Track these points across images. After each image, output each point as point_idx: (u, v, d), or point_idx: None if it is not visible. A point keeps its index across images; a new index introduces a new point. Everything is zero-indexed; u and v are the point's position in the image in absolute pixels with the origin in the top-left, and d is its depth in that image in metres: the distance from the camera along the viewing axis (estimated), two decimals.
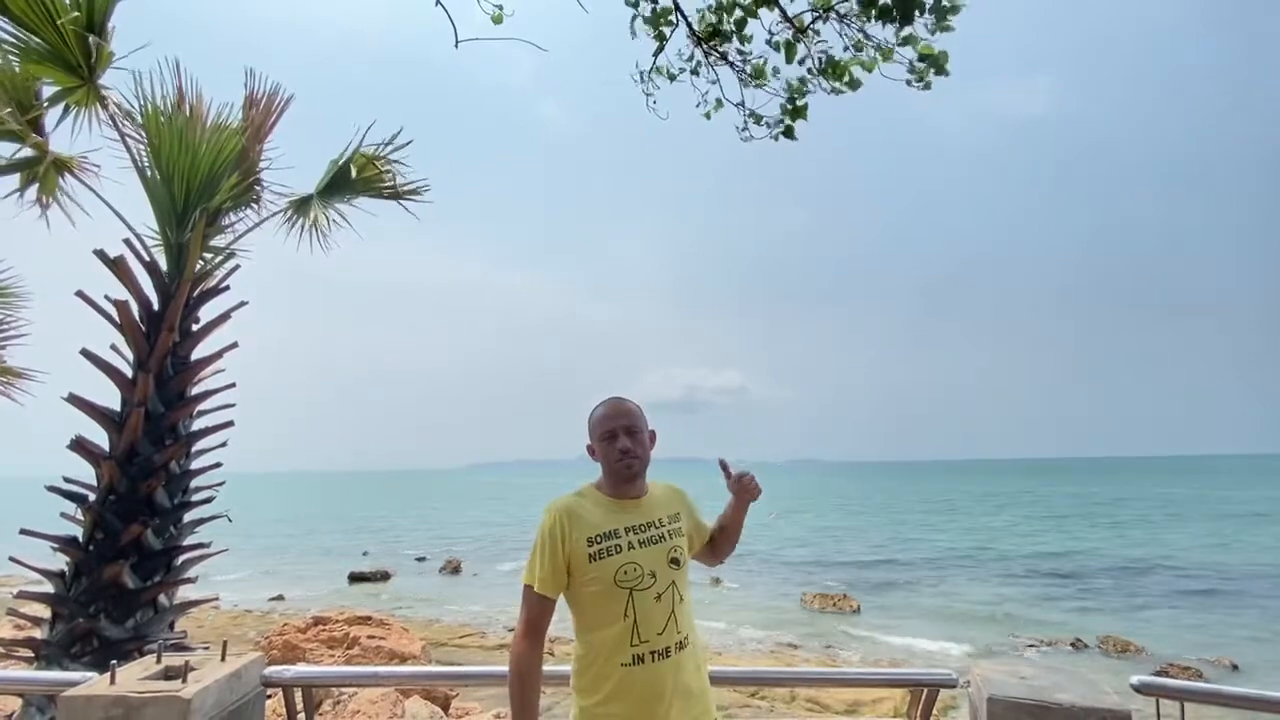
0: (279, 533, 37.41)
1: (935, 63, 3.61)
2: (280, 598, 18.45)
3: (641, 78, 3.74)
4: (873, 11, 3.69)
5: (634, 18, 3.68)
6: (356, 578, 21.35)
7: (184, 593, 3.70)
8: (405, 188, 4.60)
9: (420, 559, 26.29)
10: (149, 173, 3.59)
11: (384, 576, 21.88)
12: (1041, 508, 47.63)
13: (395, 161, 4.61)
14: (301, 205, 4.01)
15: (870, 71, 3.84)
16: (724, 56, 3.89)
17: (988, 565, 22.76)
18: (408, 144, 4.58)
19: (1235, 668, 11.66)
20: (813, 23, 3.82)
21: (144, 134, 3.51)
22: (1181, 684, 2.04)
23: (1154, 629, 14.25)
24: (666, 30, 3.69)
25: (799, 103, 3.87)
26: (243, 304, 3.76)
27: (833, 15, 3.82)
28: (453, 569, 23.02)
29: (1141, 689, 2.18)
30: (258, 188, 3.85)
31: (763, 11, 3.83)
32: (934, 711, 2.44)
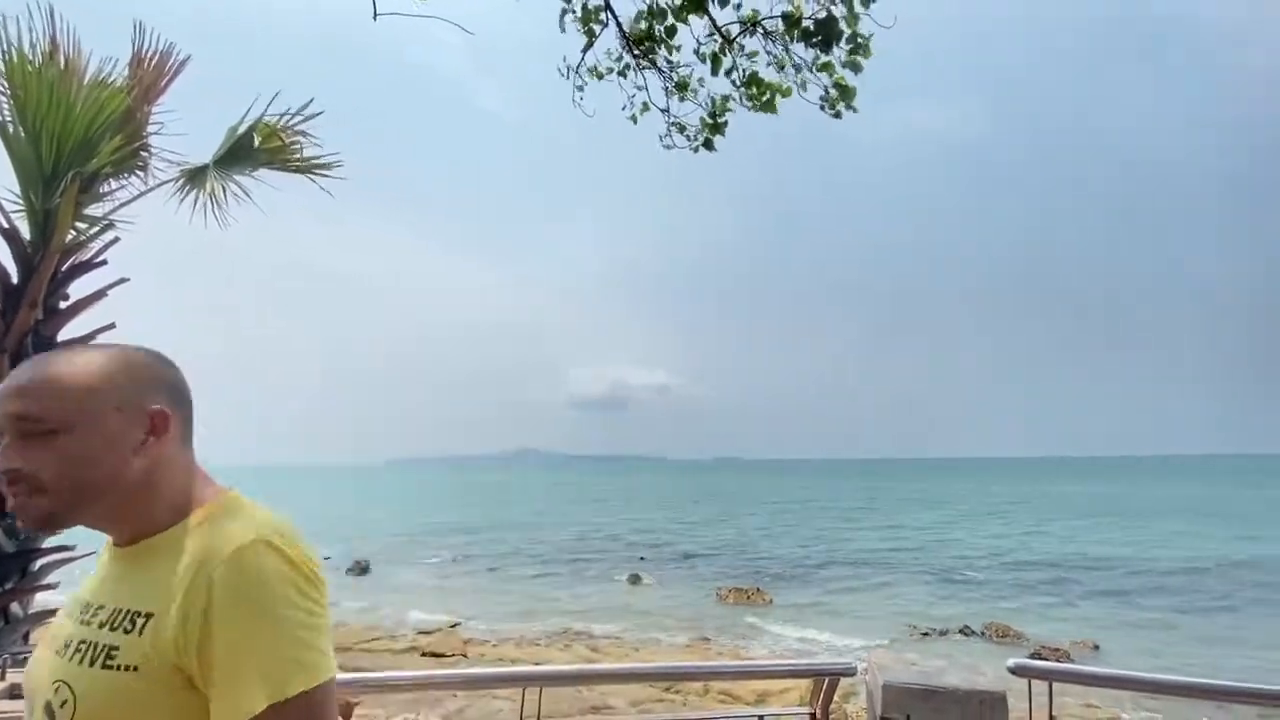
0: None
1: (845, 94, 3.81)
2: None
3: (569, 73, 3.71)
4: (796, 32, 3.85)
5: (564, 12, 3.64)
6: None
7: (44, 599, 3.33)
8: (315, 161, 4.33)
9: (325, 558, 24.91)
10: (12, 129, 3.19)
11: None
12: (959, 506, 51.17)
13: (304, 133, 4.33)
14: (196, 175, 3.69)
15: (787, 97, 4.02)
16: (653, 63, 3.92)
17: (896, 561, 24.19)
18: (318, 115, 4.31)
19: (1096, 648, 13.01)
20: (740, 35, 3.92)
21: (6, 85, 3.11)
22: (1049, 665, 2.24)
23: (1031, 616, 15.61)
24: (597, 28, 3.67)
25: (720, 119, 3.97)
26: (123, 281, 3.42)
27: (760, 30, 3.94)
28: (361, 569, 21.99)
29: (1016, 671, 2.38)
30: (145, 153, 3.51)
31: (693, 19, 3.90)
32: (836, 699, 2.56)
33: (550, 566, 23.38)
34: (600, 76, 3.88)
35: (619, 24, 3.71)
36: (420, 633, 12.93)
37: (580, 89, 3.97)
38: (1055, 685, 2.41)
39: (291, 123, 4.18)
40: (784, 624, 15.19)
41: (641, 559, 24.84)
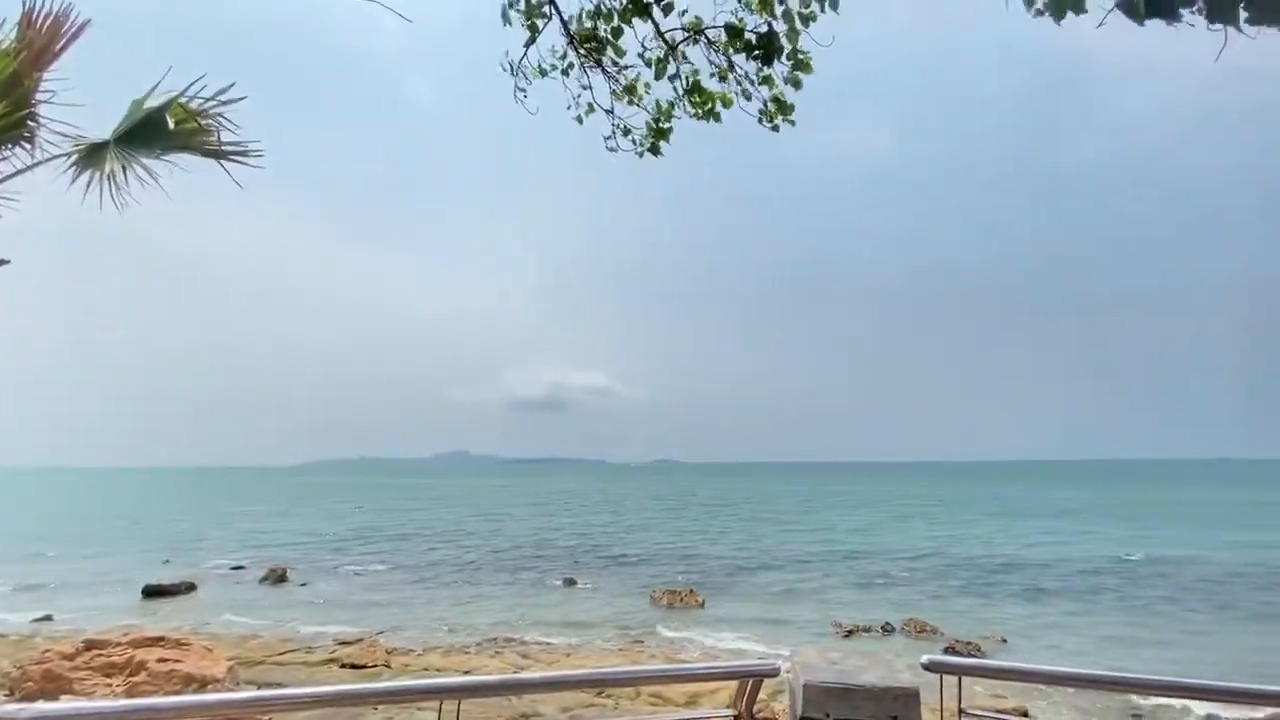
0: (50, 538, 31.49)
1: (783, 109, 3.91)
2: (48, 618, 15.50)
3: (511, 68, 3.64)
4: (738, 44, 3.94)
5: (508, 4, 3.57)
6: (153, 591, 18.51)
7: None
8: (232, 147, 4.06)
9: (237, 567, 23.43)
10: None
11: (189, 588, 19.20)
12: (888, 508, 53.35)
13: (222, 117, 4.06)
14: (94, 153, 3.39)
15: (729, 107, 4.10)
16: (598, 63, 3.90)
17: (826, 562, 24.99)
18: (240, 100, 4.05)
19: (1004, 641, 13.87)
20: (683, 42, 3.97)
21: None
22: (959, 661, 2.36)
23: (948, 613, 16.46)
24: (540, 23, 3.62)
25: (664, 125, 4.00)
26: (2, 263, 3.09)
27: (703, 39, 4.00)
28: (277, 577, 20.78)
29: (929, 667, 2.49)
30: (32, 123, 3.19)
31: (637, 23, 3.91)
32: (766, 698, 2.60)
33: (482, 572, 22.86)
34: (543, 73, 3.83)
35: (563, 21, 3.67)
36: (340, 644, 12.33)
37: (523, 90, 3.91)
38: (964, 679, 2.53)
39: (208, 106, 3.91)
40: (717, 625, 15.43)
41: (577, 563, 24.66)
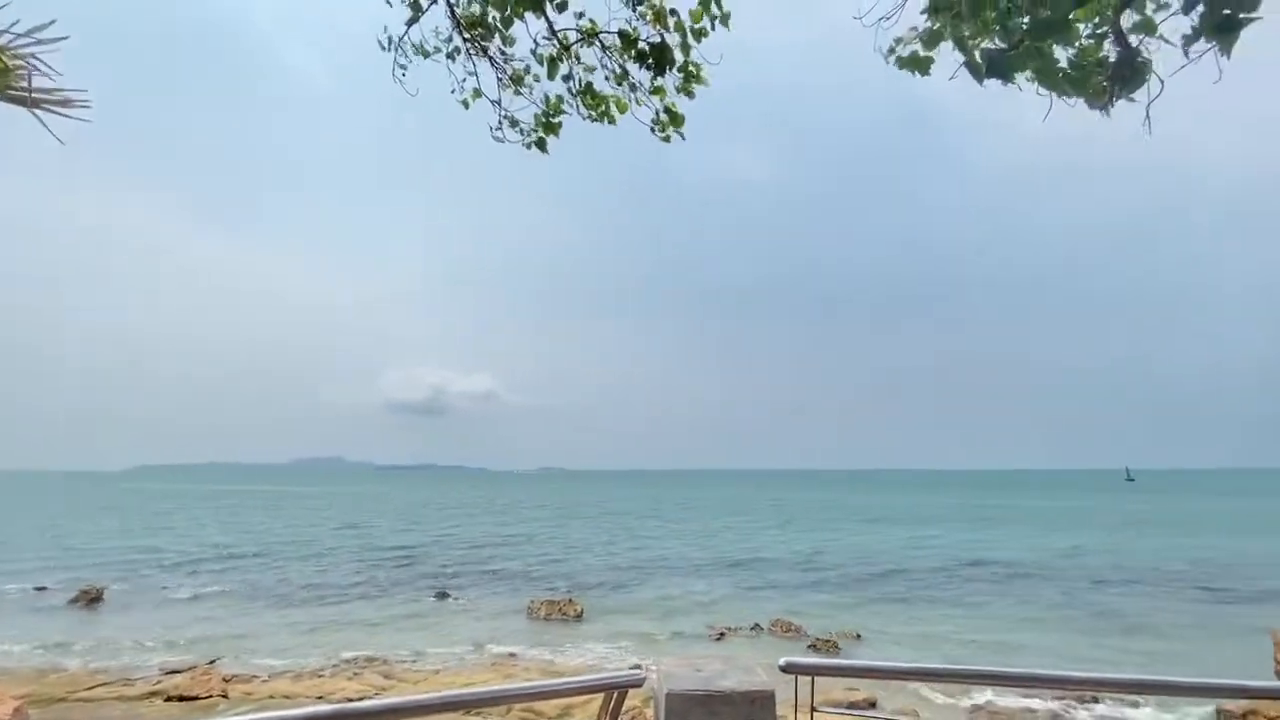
0: None
1: (675, 120, 3.99)
2: None
3: (390, 44, 3.40)
4: (632, 52, 3.95)
5: None
6: None
7: None
8: (49, 95, 3.46)
9: (39, 589, 20.05)
10: None
11: None
12: (768, 513, 55.82)
13: (37, 59, 3.45)
14: None
15: (624, 112, 4.11)
16: (484, 50, 3.76)
17: (706, 566, 25.73)
18: (62, 40, 3.47)
19: (858, 637, 14.98)
20: (577, 43, 3.92)
21: None
22: (813, 661, 2.46)
23: (811, 612, 17.52)
24: (424, 1, 3.43)
25: (554, 119, 3.93)
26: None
27: (597, 43, 3.98)
28: (90, 599, 18.00)
29: (787, 669, 2.57)
30: None
31: (530, 18, 3.81)
32: (639, 705, 2.56)
33: (345, 588, 21.19)
34: (426, 54, 3.62)
35: (449, 2, 3.50)
36: (167, 673, 10.88)
37: (404, 67, 3.67)
38: (818, 679, 2.65)
39: (20, 45, 3.30)
40: (596, 635, 15.37)
41: (451, 575, 23.60)
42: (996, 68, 2.67)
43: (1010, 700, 10.39)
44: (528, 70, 3.94)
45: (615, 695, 2.50)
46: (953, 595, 20.15)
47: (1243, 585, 21.17)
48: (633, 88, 3.93)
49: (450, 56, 3.55)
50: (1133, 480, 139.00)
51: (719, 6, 3.80)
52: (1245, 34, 2.45)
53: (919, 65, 3.00)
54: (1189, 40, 2.56)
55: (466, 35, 3.52)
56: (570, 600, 17.83)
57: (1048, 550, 30.31)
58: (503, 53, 3.66)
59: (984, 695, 10.50)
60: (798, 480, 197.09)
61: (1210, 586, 21.02)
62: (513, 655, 13.39)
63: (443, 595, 19.44)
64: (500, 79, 3.72)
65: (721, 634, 15.30)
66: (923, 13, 2.80)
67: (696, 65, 3.87)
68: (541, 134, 3.82)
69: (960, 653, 14.15)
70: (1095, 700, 10.30)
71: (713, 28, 3.82)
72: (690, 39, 3.88)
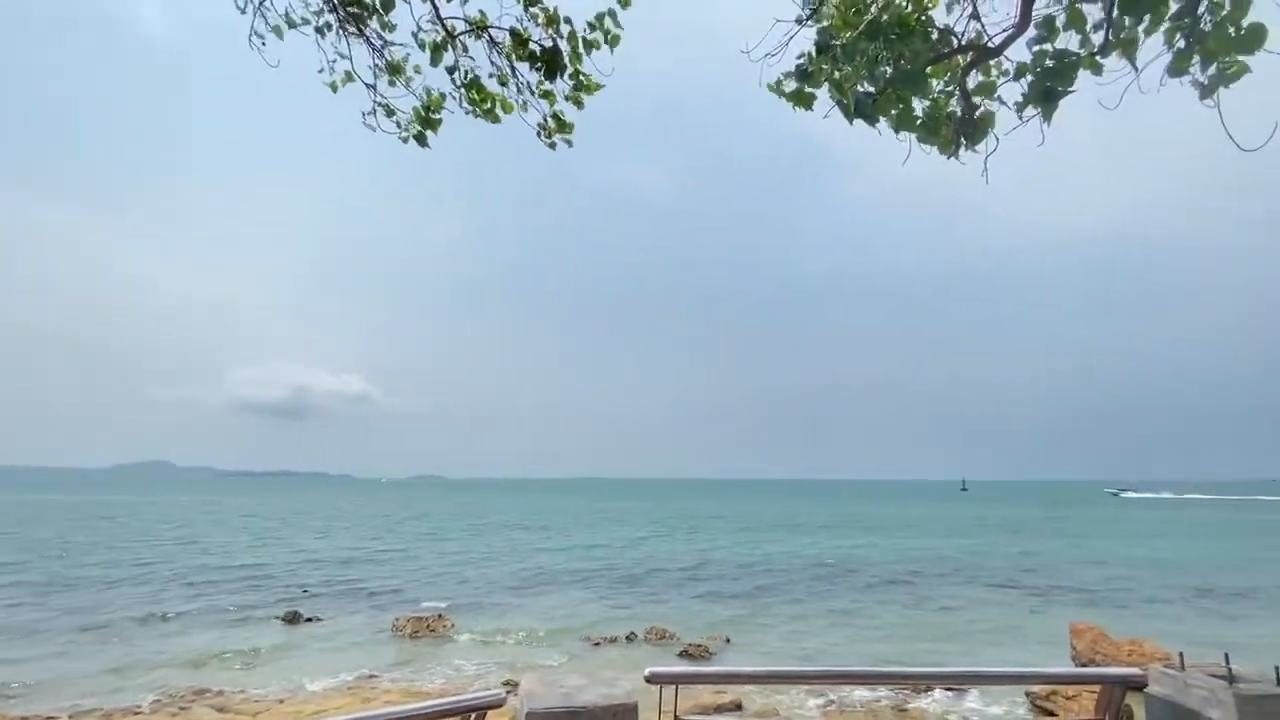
0: None
1: (563, 127, 3.96)
2: None
3: (248, 6, 3.08)
4: (523, 52, 3.87)
5: None
6: None
7: None
8: None
9: None
10: None
11: None
12: (652, 523, 56.19)
13: None
14: None
15: (509, 112, 4.01)
16: (361, 31, 3.51)
17: (587, 576, 25.52)
18: None
19: (728, 641, 15.52)
20: (464, 33, 3.77)
21: None
22: (676, 670, 2.48)
23: (684, 618, 17.93)
24: None
25: (434, 114, 3.75)
26: None
27: (486, 37, 3.85)
28: None
29: (651, 679, 2.58)
30: None
31: (416, 2, 3.62)
32: None
33: (173, 611, 18.73)
34: (292, 25, 3.31)
35: None
36: None
37: (262, 37, 3.32)
38: (682, 687, 2.68)
39: None
40: (466, 652, 14.72)
41: (305, 592, 21.63)
42: (863, 110, 2.90)
43: (863, 693, 11.24)
44: (407, 59, 3.74)
45: (474, 718, 2.37)
46: (819, 598, 21.52)
47: (1051, 583, 24.52)
48: (520, 89, 3.85)
49: (320, 31, 3.27)
50: (966, 490, 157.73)
51: (614, 23, 3.83)
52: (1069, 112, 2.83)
53: (802, 100, 3.19)
54: (1020, 106, 2.93)
55: (340, 11, 3.26)
56: (440, 617, 16.97)
57: (900, 554, 33.34)
58: (380, 36, 3.44)
59: (838, 692, 11.26)
60: (683, 489, 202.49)
61: (1026, 585, 24.11)
62: (372, 678, 12.48)
63: (294, 618, 17.75)
64: (376, 64, 3.49)
65: (597, 644, 15.25)
66: (799, 57, 2.98)
67: (587, 76, 3.87)
68: (420, 128, 3.62)
69: (825, 651, 15.09)
70: (929, 690, 11.40)
71: (605, 40, 3.84)
72: (581, 49, 3.87)
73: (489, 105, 3.95)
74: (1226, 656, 2.74)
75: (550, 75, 3.85)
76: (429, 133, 3.69)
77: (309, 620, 17.53)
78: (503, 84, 3.94)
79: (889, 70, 2.65)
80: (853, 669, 2.69)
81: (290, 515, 64.03)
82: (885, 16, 2.50)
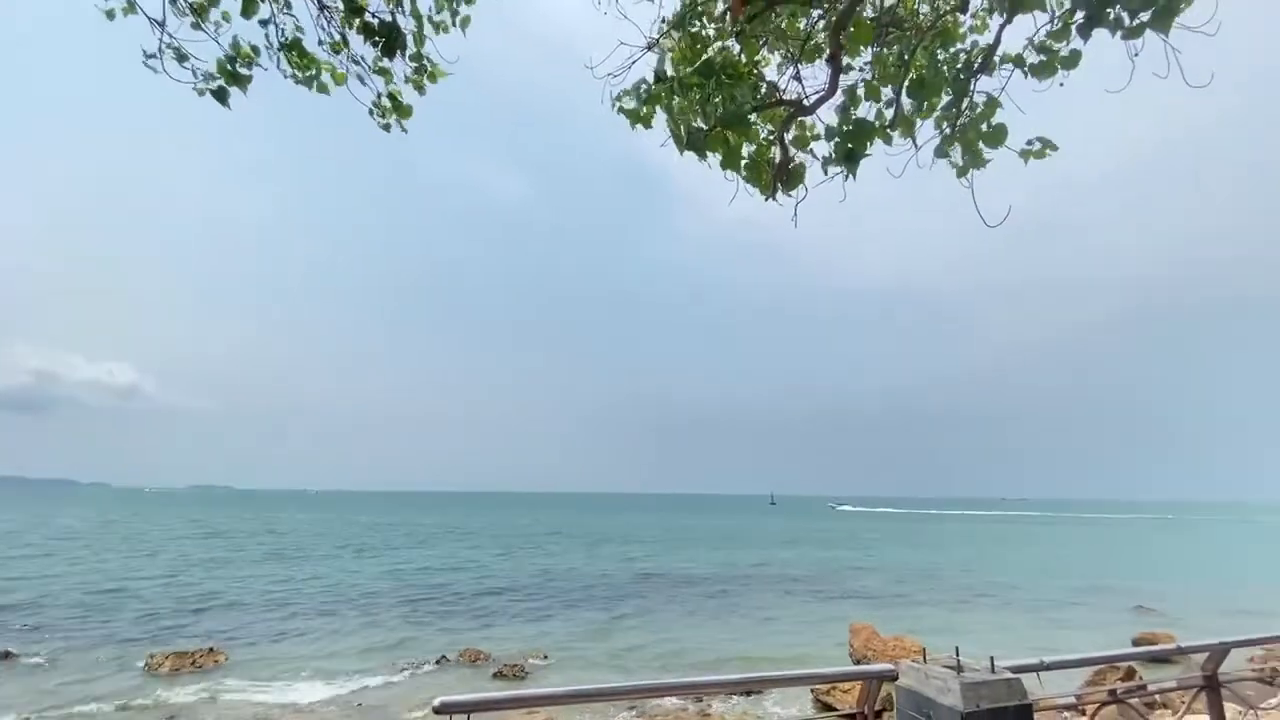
0: None
1: (400, 109, 3.70)
2: None
3: None
4: (358, 22, 3.56)
5: None
6: None
7: None
8: None
9: None
10: None
11: None
12: (470, 539, 53.20)
13: None
14: None
15: (340, 84, 3.67)
16: None
17: (390, 596, 23.57)
18: None
19: (545, 658, 15.28)
20: None
21: None
22: (469, 699, 2.33)
23: (500, 636, 17.35)
24: None
25: (243, 70, 3.30)
26: None
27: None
28: None
29: (440, 709, 2.39)
30: None
31: None
32: None
33: None
34: None
35: None
36: None
37: None
38: (478, 715, 2.52)
39: None
40: (239, 687, 12.83)
41: (22, 627, 17.50)
42: (694, 143, 3.06)
43: (673, 700, 11.68)
44: (218, 3, 3.25)
45: None
46: (635, 608, 22.07)
47: (836, 586, 27.64)
48: (355, 61, 3.53)
49: None
50: (774, 504, 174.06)
51: (464, 3, 3.68)
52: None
53: (642, 120, 3.28)
54: (826, 162, 3.28)
55: None
56: (210, 649, 14.67)
57: (716, 564, 35.47)
58: None
59: (648, 702, 11.58)
60: (511, 502, 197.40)
61: (817, 588, 26.93)
62: None
63: (5, 656, 14.25)
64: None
65: (402, 670, 14.16)
66: (640, 81, 3.08)
67: (432, 62, 3.65)
68: (224, 83, 3.15)
69: (648, 663, 15.41)
70: (730, 696, 12.18)
71: (454, 23, 3.67)
72: (427, 28, 3.66)
73: (314, 72, 3.57)
74: (957, 650, 3.23)
75: (388, 52, 3.58)
76: (235, 90, 3.21)
77: (28, 659, 14.16)
78: (335, 52, 3.59)
79: (720, 109, 2.82)
80: (656, 682, 2.73)
81: (10, 532, 51.63)
82: (719, 59, 2.66)
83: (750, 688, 11.69)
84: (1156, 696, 9.20)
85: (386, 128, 3.90)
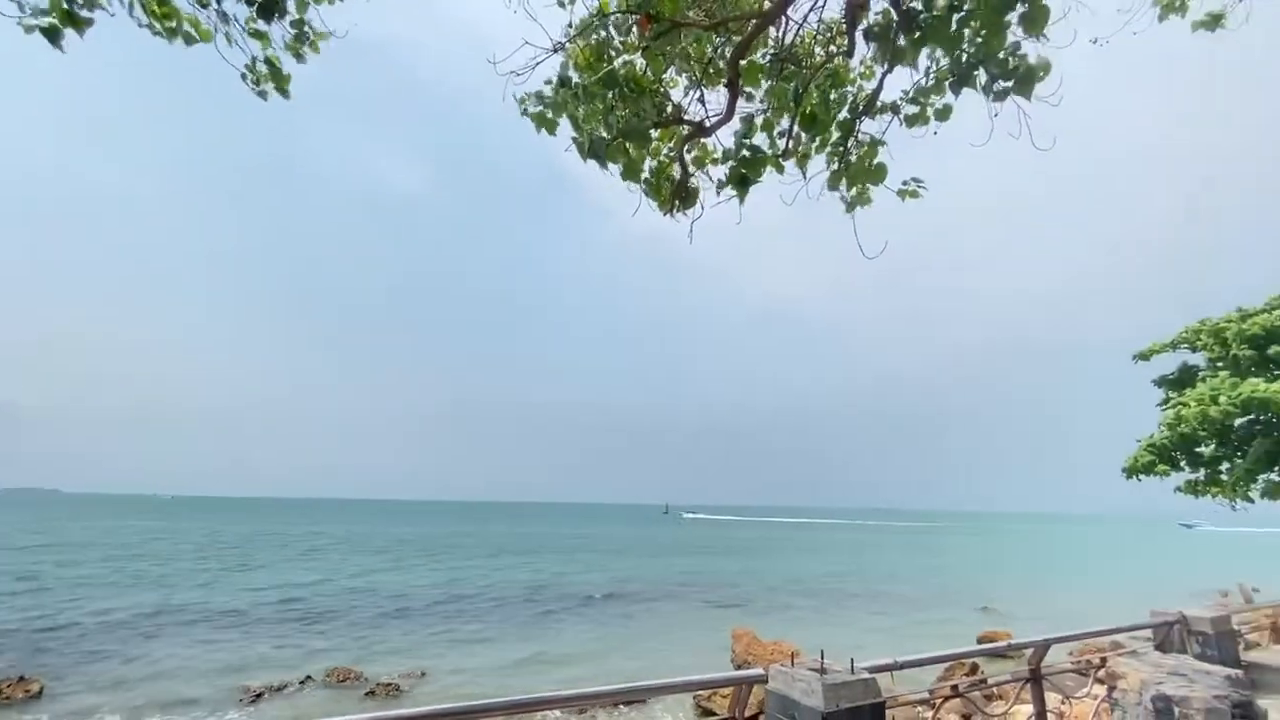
0: None
1: (277, 77, 3.44)
2: None
3: None
4: None
5: None
6: None
7: None
8: None
9: None
10: None
11: None
12: (339, 550, 49.41)
13: None
14: None
15: (206, 41, 3.34)
16: None
17: (245, 613, 21.47)
18: None
19: (423, 675, 14.51)
20: None
21: None
22: None
23: (374, 654, 16.29)
24: None
25: (83, 11, 2.90)
26: None
27: None
28: None
29: None
30: None
31: None
32: None
33: None
34: None
35: None
36: None
37: None
38: None
39: None
40: None
41: None
42: (596, 152, 3.06)
43: (552, 715, 11.47)
44: None
45: None
46: (526, 623, 21.55)
47: (726, 594, 28.52)
48: (224, 18, 3.22)
49: None
50: (668, 514, 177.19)
51: None
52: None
53: (546, 124, 3.23)
54: (720, 185, 3.40)
55: None
56: (22, 679, 12.66)
57: (608, 574, 35.44)
58: None
59: (531, 718, 11.33)
60: (389, 510, 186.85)
61: (708, 597, 27.62)
62: None
63: None
64: None
65: (259, 695, 12.91)
66: (546, 82, 3.04)
67: (317, 33, 3.42)
68: (57, 21, 2.75)
69: (529, 677, 14.99)
70: (615, 706, 12.17)
71: None
72: None
73: (174, 24, 3.20)
74: (822, 653, 3.42)
75: (265, 14, 3.31)
76: (71, 31, 2.81)
77: None
78: (202, 6, 3.26)
79: (622, 122, 2.84)
80: (534, 696, 2.67)
81: None
82: (624, 71, 2.68)
83: (631, 698, 11.75)
84: (994, 689, 10.27)
85: (263, 95, 3.60)
